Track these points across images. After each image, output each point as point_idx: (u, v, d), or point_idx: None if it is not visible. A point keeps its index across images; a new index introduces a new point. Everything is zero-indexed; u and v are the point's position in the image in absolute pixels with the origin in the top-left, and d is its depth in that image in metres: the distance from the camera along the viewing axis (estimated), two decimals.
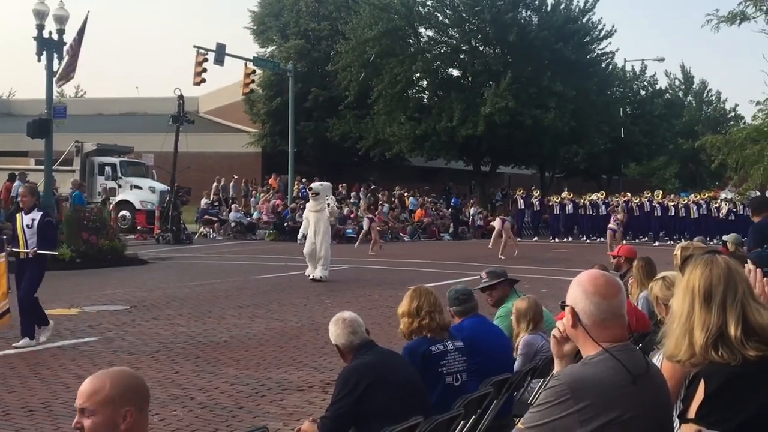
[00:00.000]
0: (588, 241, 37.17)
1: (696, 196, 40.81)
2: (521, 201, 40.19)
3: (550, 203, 40.47)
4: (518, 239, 36.65)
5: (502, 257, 25.95)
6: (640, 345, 6.63)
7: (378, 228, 30.97)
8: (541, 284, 18.39)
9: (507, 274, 8.23)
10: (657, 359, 3.97)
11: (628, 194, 41.89)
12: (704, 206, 39.42)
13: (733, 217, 40.51)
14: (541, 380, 6.31)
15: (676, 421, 3.19)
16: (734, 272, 3.14)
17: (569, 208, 39.55)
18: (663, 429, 3.16)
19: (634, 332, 6.90)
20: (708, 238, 33.84)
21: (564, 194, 40.98)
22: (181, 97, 31.36)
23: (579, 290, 3.24)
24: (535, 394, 5.96)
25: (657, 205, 39.49)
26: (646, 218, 39.52)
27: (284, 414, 8.18)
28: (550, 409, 3.05)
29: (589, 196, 40.82)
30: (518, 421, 3.29)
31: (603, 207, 39.33)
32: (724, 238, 13.94)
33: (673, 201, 39.97)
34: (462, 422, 5.06)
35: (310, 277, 19.43)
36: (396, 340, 10.40)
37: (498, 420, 5.78)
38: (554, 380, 3.15)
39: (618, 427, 3.02)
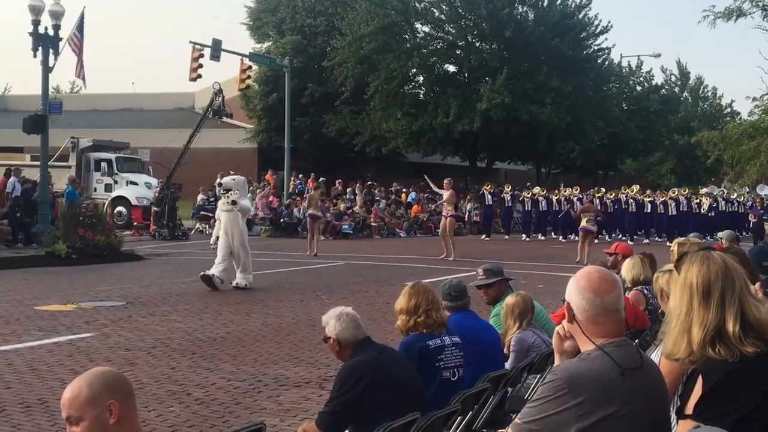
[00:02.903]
0: (563, 239, 35.16)
1: (674, 192, 38.91)
2: (489, 196, 37.88)
3: (522, 199, 38.48)
4: (487, 237, 35.84)
5: (450, 258, 24.23)
6: (636, 341, 6.64)
7: (322, 225, 27.69)
8: (538, 281, 18.41)
9: (503, 272, 8.20)
10: (655, 355, 3.98)
11: (602, 189, 39.85)
12: (684, 202, 37.52)
13: (713, 213, 39.18)
14: (538, 376, 6.32)
15: (674, 417, 3.20)
16: (731, 268, 3.15)
17: (542, 204, 37.58)
18: (660, 424, 3.17)
19: (632, 329, 6.90)
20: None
21: (536, 189, 39.07)
22: (220, 91, 31.25)
23: (573, 285, 3.25)
24: (532, 390, 5.97)
25: (632, 200, 37.35)
26: (622, 215, 37.42)
27: (281, 410, 8.18)
28: (547, 404, 3.06)
29: (563, 192, 38.85)
30: (515, 417, 3.29)
31: (578, 203, 36.37)
32: (719, 235, 13.96)
33: (649, 197, 38.02)
34: (459, 418, 5.07)
35: (233, 284, 17.02)
36: (392, 336, 10.41)
37: (492, 415, 5.79)
38: (551, 375, 3.16)
39: (615, 422, 3.02)
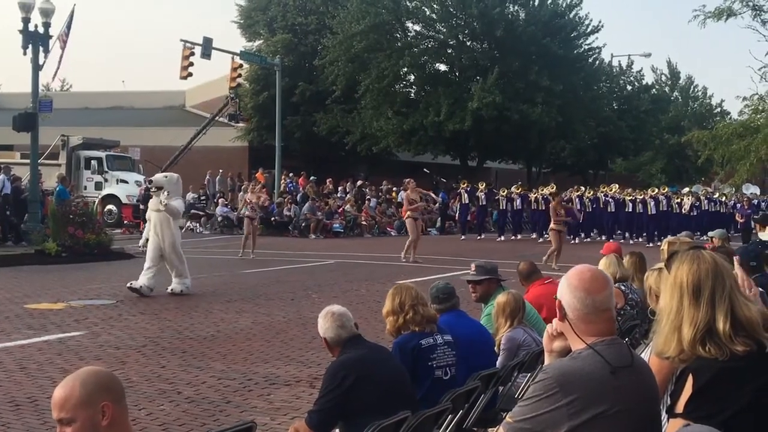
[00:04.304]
0: (541, 239, 32.67)
1: (654, 191, 37.48)
2: (465, 195, 36.23)
3: (497, 197, 36.84)
4: (462, 237, 34.61)
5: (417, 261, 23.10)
6: (627, 339, 6.65)
7: (257, 224, 25.25)
8: None
9: (496, 271, 8.19)
10: (645, 354, 3.99)
11: (582, 188, 38.53)
12: (664, 201, 36.06)
13: (695, 213, 38.18)
14: (528, 375, 6.33)
15: (664, 415, 3.21)
16: (721, 267, 3.15)
17: (517, 203, 36.05)
18: (650, 422, 3.18)
19: None
20: (669, 236, 32.38)
21: (513, 188, 37.51)
22: (235, 96, 31.32)
23: (565, 284, 3.25)
24: (522, 389, 5.98)
25: (611, 199, 35.81)
26: (600, 214, 36.09)
27: (271, 408, 8.17)
28: (538, 402, 3.06)
29: (541, 190, 37.15)
30: (506, 415, 3.29)
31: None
32: (710, 234, 13.95)
33: (630, 195, 36.60)
34: (450, 416, 5.07)
35: (168, 289, 15.85)
36: (384, 335, 10.41)
37: (483, 413, 5.80)
38: (542, 374, 3.16)
39: (605, 420, 3.03)
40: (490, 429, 5.84)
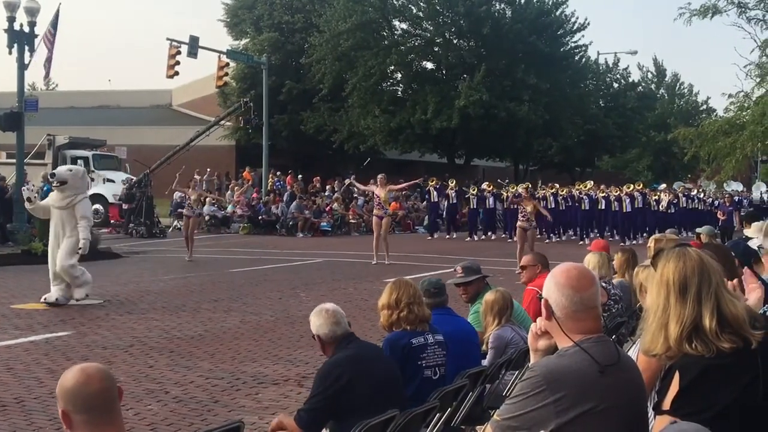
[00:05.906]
0: (510, 239, 29.62)
1: (629, 188, 36.01)
2: (435, 193, 34.52)
3: (467, 196, 35.07)
4: (431, 237, 33.04)
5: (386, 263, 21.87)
6: (614, 336, 6.66)
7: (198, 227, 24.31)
8: (517, 277, 18.42)
9: (481, 270, 8.19)
10: (632, 351, 4.00)
11: (557, 185, 36.87)
12: (639, 198, 34.57)
13: (673, 210, 37.34)
14: (516, 372, 6.34)
15: (651, 412, 3.21)
16: (707, 264, 3.16)
17: (489, 201, 34.31)
18: (637, 420, 3.18)
19: None
20: (644, 233, 31.65)
21: (484, 185, 35.77)
22: (250, 100, 31.48)
23: (552, 282, 3.25)
24: (510, 386, 5.99)
25: (585, 197, 34.34)
26: (575, 212, 34.56)
27: (260, 408, 8.16)
28: (526, 400, 3.07)
29: (513, 188, 35.02)
30: (493, 413, 3.30)
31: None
32: (698, 230, 13.96)
33: (603, 192, 34.91)
34: (438, 414, 5.07)
35: (42, 298, 14.28)
36: (372, 333, 10.42)
37: (470, 410, 5.80)
38: (530, 372, 3.16)
39: (593, 417, 3.03)
40: (478, 427, 5.86)
